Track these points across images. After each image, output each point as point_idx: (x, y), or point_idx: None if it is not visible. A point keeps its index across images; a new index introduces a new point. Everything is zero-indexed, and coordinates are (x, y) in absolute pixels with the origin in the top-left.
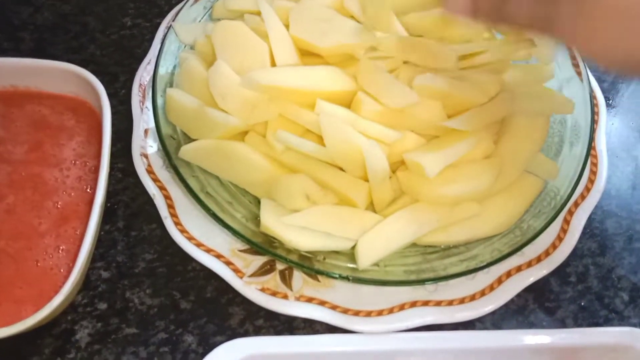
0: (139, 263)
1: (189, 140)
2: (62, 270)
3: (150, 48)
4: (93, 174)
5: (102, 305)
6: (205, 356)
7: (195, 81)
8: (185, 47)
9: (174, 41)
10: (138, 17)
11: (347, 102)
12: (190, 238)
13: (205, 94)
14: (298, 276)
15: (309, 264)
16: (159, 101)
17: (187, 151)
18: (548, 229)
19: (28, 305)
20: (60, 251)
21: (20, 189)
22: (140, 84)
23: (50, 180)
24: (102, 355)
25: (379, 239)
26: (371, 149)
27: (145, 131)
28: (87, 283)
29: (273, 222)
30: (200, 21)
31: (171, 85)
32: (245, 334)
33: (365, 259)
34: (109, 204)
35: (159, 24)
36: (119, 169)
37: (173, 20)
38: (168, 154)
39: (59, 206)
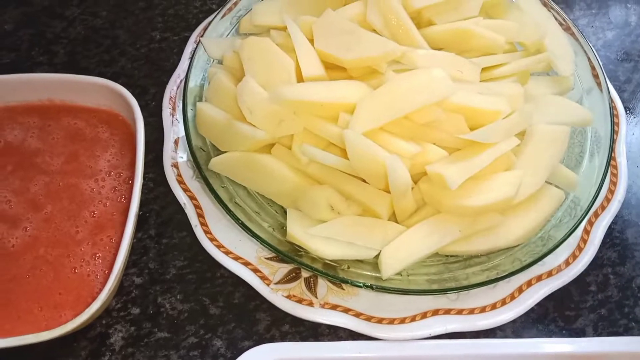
0: (170, 269)
1: (218, 152)
2: (98, 277)
3: (179, 61)
4: (127, 184)
5: (135, 310)
6: None
7: (224, 95)
8: (213, 61)
9: (203, 55)
10: (166, 31)
11: None
12: (219, 246)
13: (234, 108)
14: (323, 284)
15: (334, 273)
16: (189, 114)
17: (216, 163)
18: (568, 239)
19: (67, 310)
20: (96, 258)
21: (58, 199)
22: (171, 97)
23: (86, 190)
24: (135, 358)
25: (402, 249)
26: (393, 163)
27: (176, 142)
28: (120, 289)
29: (299, 232)
30: (227, 36)
31: (200, 98)
32: (272, 339)
33: (389, 268)
34: (141, 213)
35: (187, 38)
36: (150, 179)
37: (201, 35)
38: (198, 165)
39: (95, 215)
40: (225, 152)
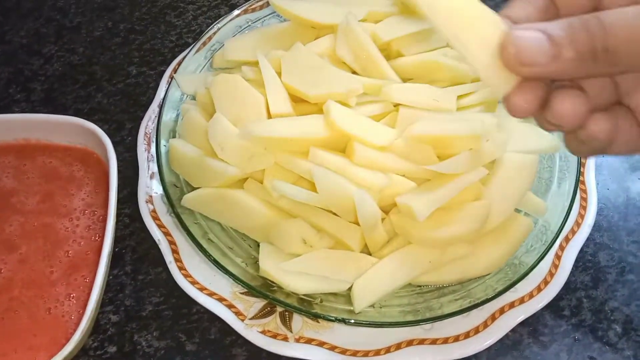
0: (146, 306)
1: (192, 187)
2: (72, 317)
3: (154, 96)
4: (101, 222)
5: (112, 349)
6: None
7: (196, 132)
8: (187, 96)
9: (177, 91)
10: (143, 66)
11: (341, 147)
12: (193, 282)
13: (206, 144)
14: (298, 318)
15: (307, 307)
16: (162, 149)
17: (189, 199)
18: (540, 264)
19: (41, 352)
20: (71, 299)
21: (33, 239)
22: (146, 132)
23: (61, 229)
24: None
25: (374, 282)
26: (361, 197)
27: (151, 177)
28: (97, 327)
29: (271, 267)
30: (201, 70)
31: (174, 134)
32: None
33: (361, 301)
34: (117, 249)
35: (162, 72)
36: (126, 214)
37: (175, 69)
38: (171, 202)
39: (69, 255)
40: (198, 188)
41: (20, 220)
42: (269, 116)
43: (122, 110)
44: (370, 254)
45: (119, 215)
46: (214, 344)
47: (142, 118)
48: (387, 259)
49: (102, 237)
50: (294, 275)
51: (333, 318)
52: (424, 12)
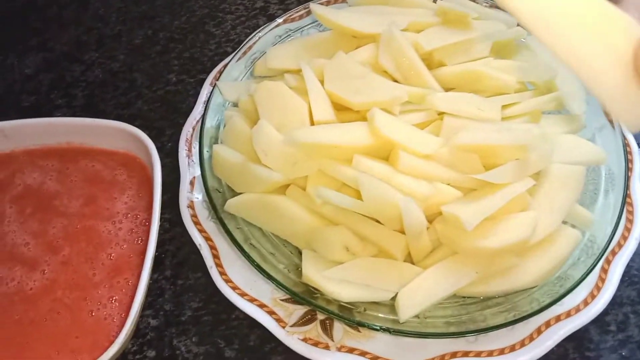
0: (186, 311)
1: (234, 193)
2: (114, 320)
3: (194, 103)
4: (144, 226)
5: (151, 353)
6: None
7: (239, 138)
8: (229, 103)
9: (219, 98)
10: (182, 74)
11: (384, 154)
12: (234, 288)
13: (249, 150)
14: (339, 326)
15: (350, 315)
16: (205, 155)
17: (232, 204)
18: (586, 278)
19: (83, 354)
20: (113, 301)
21: (76, 242)
22: (187, 138)
23: (103, 232)
24: None
25: (419, 292)
26: (408, 205)
27: (192, 183)
28: (136, 331)
29: (314, 274)
30: (242, 78)
31: (216, 140)
32: None
33: (406, 311)
34: (157, 253)
35: (202, 80)
36: (167, 219)
37: (217, 77)
38: (214, 207)
39: (112, 258)
40: (241, 193)
41: (64, 222)
42: (312, 123)
43: (162, 116)
44: (413, 263)
45: (159, 220)
46: (253, 351)
47: (182, 124)
48: (433, 269)
49: (144, 240)
50: (336, 282)
51: (377, 327)
52: (519, 19)
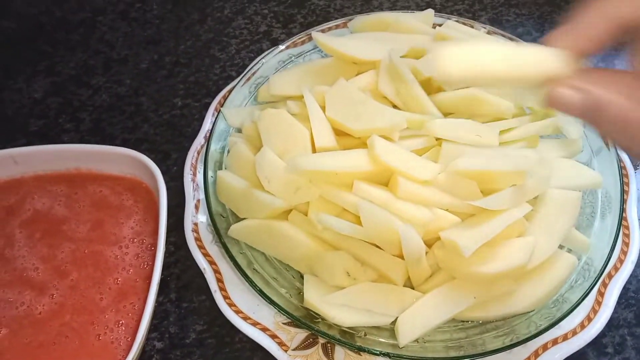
0: (190, 334)
1: (237, 218)
2: (121, 344)
3: (199, 127)
4: (149, 250)
5: None
6: None
7: (243, 164)
8: (233, 129)
9: (223, 123)
10: (187, 98)
11: (385, 180)
12: (237, 311)
13: (253, 176)
14: (340, 350)
15: (351, 340)
16: (209, 180)
17: (235, 230)
18: (583, 301)
19: None
20: (119, 325)
21: (83, 266)
22: (192, 163)
23: (110, 257)
24: None
25: (418, 317)
26: (406, 231)
27: (196, 207)
28: (142, 354)
29: (315, 299)
30: (246, 104)
31: (221, 165)
32: None
33: (406, 336)
34: (162, 277)
35: (207, 104)
36: (172, 243)
37: (221, 102)
38: (218, 232)
39: (118, 282)
40: (244, 218)
41: (72, 247)
42: (314, 150)
43: (167, 140)
44: (413, 288)
45: (164, 245)
46: None
47: (187, 148)
48: (432, 294)
49: (150, 265)
50: (337, 307)
51: (377, 352)
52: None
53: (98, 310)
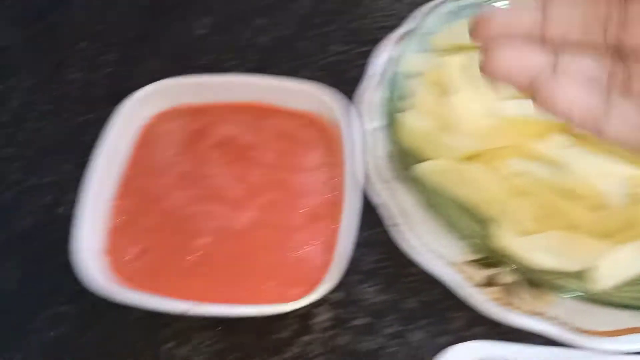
0: (368, 262)
1: (418, 159)
2: (316, 262)
3: (361, 74)
4: (335, 180)
5: (338, 295)
6: (436, 355)
7: (429, 108)
8: (409, 74)
9: (394, 68)
10: (347, 44)
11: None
12: (417, 246)
13: (439, 119)
14: (524, 291)
15: (538, 281)
16: (383, 123)
17: (421, 168)
18: None
19: (292, 289)
20: (314, 245)
21: (275, 189)
22: (359, 108)
23: (299, 183)
24: (338, 340)
25: (618, 264)
26: (609, 185)
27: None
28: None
29: (507, 240)
30: (418, 52)
31: (394, 109)
32: (470, 338)
33: (604, 280)
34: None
35: (367, 52)
36: None
37: (387, 48)
38: (399, 168)
39: (309, 205)
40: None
41: (262, 171)
42: None
43: (331, 85)
44: (607, 238)
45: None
46: (435, 306)
47: (349, 94)
48: (633, 244)
49: (338, 194)
50: (527, 249)
51: (569, 293)
52: None
53: (292, 229)
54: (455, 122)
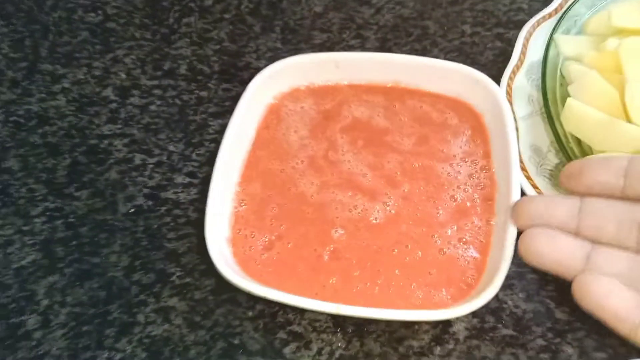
0: (510, 267)
1: (584, 151)
2: (469, 263)
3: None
4: (484, 172)
5: None
6: None
7: (597, 94)
8: (568, 59)
9: (535, 52)
10: (476, 26)
11: None
12: None
13: (610, 107)
14: None
15: None
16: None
17: None
18: None
19: (439, 290)
20: (464, 243)
21: (414, 179)
22: (511, 92)
23: (442, 174)
24: (481, 351)
25: None
26: None
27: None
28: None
29: None
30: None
31: (557, 97)
32: (629, 355)
33: None
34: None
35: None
36: None
37: (529, 32)
38: (566, 161)
39: (455, 199)
40: (600, 151)
41: (399, 158)
42: None
43: None
44: None
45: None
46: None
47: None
48: None
49: (488, 187)
50: None
51: None
52: None
53: (437, 225)
54: (634, 110)
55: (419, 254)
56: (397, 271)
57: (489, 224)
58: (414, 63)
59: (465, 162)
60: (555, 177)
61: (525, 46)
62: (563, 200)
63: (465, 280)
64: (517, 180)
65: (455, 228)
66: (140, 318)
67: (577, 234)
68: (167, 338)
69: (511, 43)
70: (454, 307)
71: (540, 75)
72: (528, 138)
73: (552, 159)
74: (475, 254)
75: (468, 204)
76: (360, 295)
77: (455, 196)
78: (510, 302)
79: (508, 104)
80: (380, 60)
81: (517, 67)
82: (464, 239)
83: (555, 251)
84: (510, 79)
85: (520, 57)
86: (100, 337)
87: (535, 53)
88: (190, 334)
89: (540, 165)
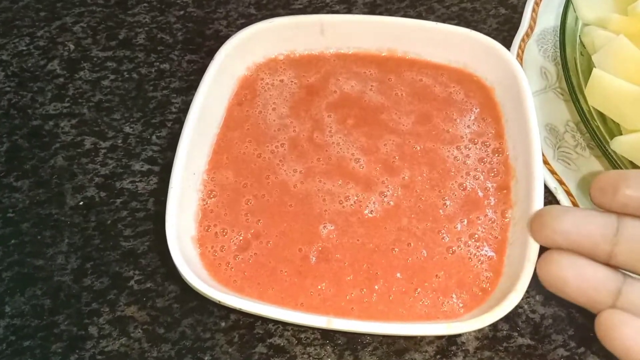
0: None
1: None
2: (482, 264)
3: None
4: (497, 156)
5: None
6: None
7: (629, 64)
8: (590, 25)
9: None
10: None
11: None
12: None
13: None
14: None
15: None
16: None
17: (623, 142)
18: None
19: (448, 296)
20: (475, 240)
21: (416, 164)
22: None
23: (448, 158)
24: None
25: None
26: None
27: None
28: None
29: None
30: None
31: (578, 68)
32: None
33: None
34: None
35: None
36: None
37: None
38: (600, 144)
39: (464, 188)
40: (630, 131)
41: (397, 140)
42: None
43: None
44: None
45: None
46: None
47: None
48: None
49: (502, 173)
50: None
51: None
52: None
53: (444, 218)
54: None
55: (423, 253)
56: (398, 274)
57: (504, 217)
58: (413, 27)
59: (475, 144)
60: (574, 162)
61: (535, 11)
62: (597, 218)
63: (480, 284)
64: (540, 166)
65: (466, 222)
66: (93, 331)
67: (609, 258)
68: (125, 354)
69: (516, 9)
70: (468, 317)
71: (554, 44)
72: (542, 116)
73: (570, 141)
74: (490, 253)
75: (480, 193)
76: (355, 304)
77: (464, 184)
78: (526, 306)
79: (524, 75)
80: (372, 23)
81: (527, 35)
82: (476, 235)
83: (582, 279)
84: (521, 48)
85: (530, 23)
86: (45, 354)
87: (546, 19)
88: (152, 349)
89: (558, 148)
